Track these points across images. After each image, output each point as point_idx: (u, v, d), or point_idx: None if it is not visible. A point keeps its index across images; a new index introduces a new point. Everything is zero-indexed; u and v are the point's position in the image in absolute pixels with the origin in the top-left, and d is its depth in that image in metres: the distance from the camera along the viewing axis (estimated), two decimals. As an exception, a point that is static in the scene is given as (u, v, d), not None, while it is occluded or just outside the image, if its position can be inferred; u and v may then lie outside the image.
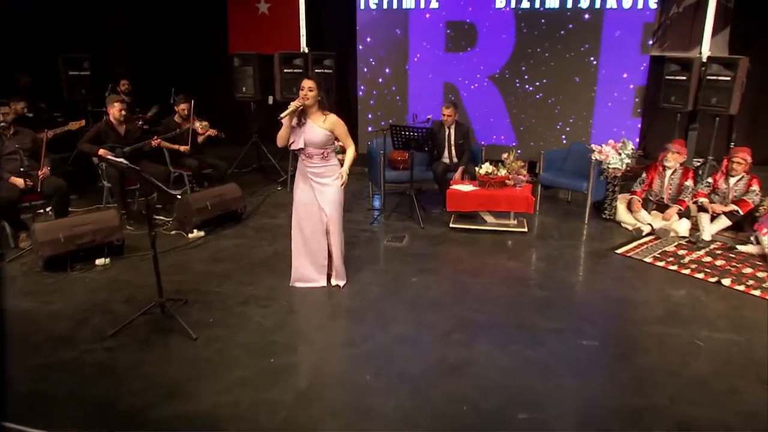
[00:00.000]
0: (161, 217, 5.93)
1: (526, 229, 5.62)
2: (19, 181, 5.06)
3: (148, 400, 2.92)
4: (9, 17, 7.99)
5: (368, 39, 7.89)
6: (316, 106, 3.93)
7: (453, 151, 6.40)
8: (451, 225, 5.69)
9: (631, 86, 7.26)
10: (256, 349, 3.39)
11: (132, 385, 3.03)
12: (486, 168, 5.59)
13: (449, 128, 6.37)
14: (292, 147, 4.01)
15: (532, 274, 4.61)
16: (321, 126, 3.95)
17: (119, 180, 5.68)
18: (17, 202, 5.10)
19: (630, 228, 5.73)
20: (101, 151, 5.66)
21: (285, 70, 7.22)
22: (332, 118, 4.00)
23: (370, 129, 7.87)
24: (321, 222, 4.11)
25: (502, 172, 5.61)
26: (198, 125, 6.61)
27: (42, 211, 5.66)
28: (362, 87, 8.09)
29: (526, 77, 7.56)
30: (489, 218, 5.77)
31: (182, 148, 6.47)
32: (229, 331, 3.61)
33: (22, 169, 5.16)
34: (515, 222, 5.73)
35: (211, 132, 6.63)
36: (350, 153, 4.12)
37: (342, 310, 3.96)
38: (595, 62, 7.30)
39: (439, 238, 5.45)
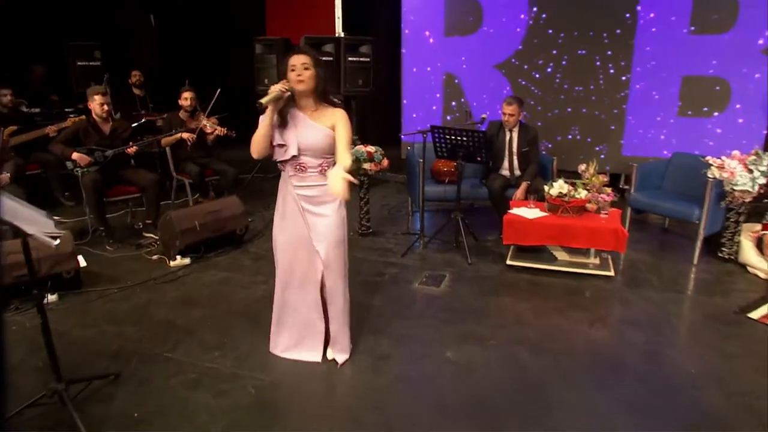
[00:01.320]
0: (150, 235, 4.85)
1: (611, 273, 4.09)
2: None
3: None
4: (20, 2, 7.20)
5: (424, 31, 6.53)
6: (312, 94, 2.63)
7: (515, 162, 4.94)
8: (508, 261, 4.25)
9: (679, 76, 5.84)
10: (177, 486, 2.14)
11: None
12: (559, 187, 4.11)
13: (511, 131, 4.91)
14: (279, 157, 2.69)
15: (625, 352, 3.11)
16: (324, 123, 2.64)
17: (94, 189, 4.62)
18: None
19: (762, 275, 4.10)
20: (75, 155, 4.62)
21: (312, 58, 5.96)
22: (339, 114, 2.66)
23: (404, 137, 6.50)
24: (314, 270, 2.80)
25: (582, 193, 4.10)
26: (205, 122, 5.50)
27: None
28: (407, 78, 6.74)
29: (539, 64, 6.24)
30: (561, 254, 4.29)
31: (185, 135, 5.33)
32: (153, 440, 2.39)
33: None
34: (597, 260, 4.22)
35: (219, 130, 5.49)
36: (345, 163, 2.57)
37: (331, 408, 2.64)
38: (631, 46, 5.91)
39: (491, 282, 4.03)
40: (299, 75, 2.55)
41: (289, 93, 2.57)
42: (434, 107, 6.70)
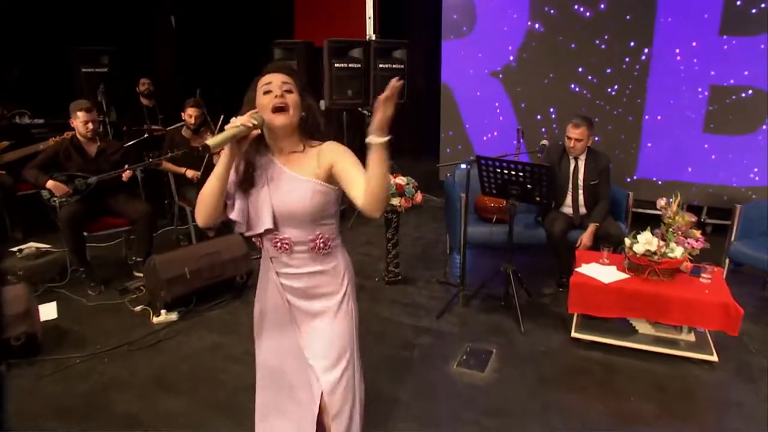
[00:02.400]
0: (140, 274, 4.11)
1: (713, 357, 3.08)
2: None
3: None
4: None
5: (464, 28, 5.61)
6: (296, 131, 1.74)
7: (580, 197, 3.98)
8: (573, 334, 3.30)
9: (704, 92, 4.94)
10: None
11: None
12: (647, 242, 3.13)
13: (576, 160, 3.95)
14: (246, 230, 1.76)
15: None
16: (309, 171, 1.72)
17: (71, 223, 3.91)
18: None
19: None
20: (50, 183, 3.92)
21: (336, 65, 5.13)
22: (329, 148, 1.74)
23: (449, 152, 5.61)
24: (309, 396, 1.86)
25: (677, 251, 3.11)
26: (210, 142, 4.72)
27: None
28: (449, 91, 5.83)
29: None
30: (643, 326, 3.31)
31: (188, 173, 4.64)
32: None
33: None
34: (691, 337, 3.22)
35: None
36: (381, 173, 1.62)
37: None
38: (646, 55, 5.02)
39: (550, 364, 3.09)
40: (280, 100, 1.66)
41: (259, 130, 1.69)
42: (468, 124, 5.79)
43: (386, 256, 4.05)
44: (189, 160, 4.65)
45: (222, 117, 4.82)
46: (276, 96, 1.67)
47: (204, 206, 1.69)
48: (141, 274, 4.11)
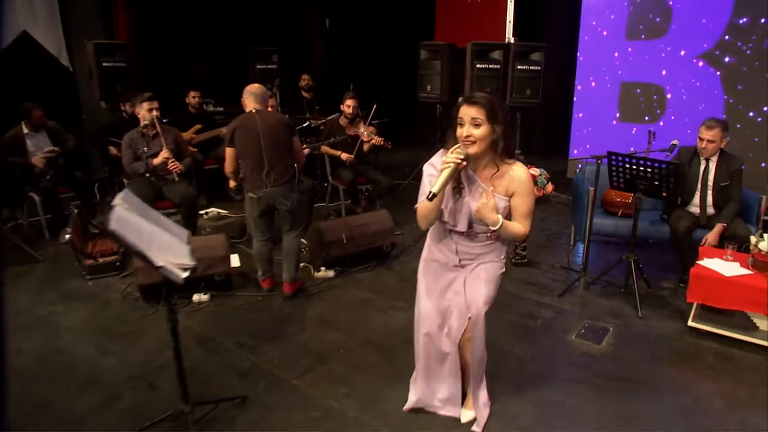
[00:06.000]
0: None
1: (839, 357, 3.17)
2: None
3: None
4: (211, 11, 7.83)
5: (594, 23, 5.84)
6: (488, 153, 2.27)
7: (708, 197, 4.11)
8: (690, 323, 3.52)
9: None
10: None
11: None
12: (772, 241, 3.28)
13: (707, 161, 4.09)
14: (447, 225, 2.43)
15: None
16: (501, 189, 2.30)
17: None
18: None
19: None
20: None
21: (478, 65, 5.62)
22: (519, 174, 2.29)
23: (575, 154, 5.86)
24: (461, 321, 2.43)
25: (806, 252, 3.22)
26: (363, 131, 5.46)
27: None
28: (579, 88, 6.07)
29: None
30: (763, 322, 3.44)
31: (343, 155, 5.39)
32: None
33: (147, 174, 4.56)
34: (817, 336, 3.31)
35: (376, 140, 5.41)
36: (518, 227, 2.34)
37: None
38: None
39: (665, 345, 3.36)
40: (467, 135, 2.18)
41: (465, 162, 2.20)
42: (596, 125, 5.99)
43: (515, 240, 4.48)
44: (344, 145, 5.43)
45: (374, 106, 5.53)
46: (465, 134, 2.18)
47: (426, 218, 2.33)
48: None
